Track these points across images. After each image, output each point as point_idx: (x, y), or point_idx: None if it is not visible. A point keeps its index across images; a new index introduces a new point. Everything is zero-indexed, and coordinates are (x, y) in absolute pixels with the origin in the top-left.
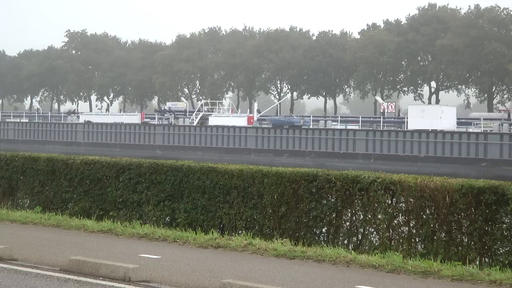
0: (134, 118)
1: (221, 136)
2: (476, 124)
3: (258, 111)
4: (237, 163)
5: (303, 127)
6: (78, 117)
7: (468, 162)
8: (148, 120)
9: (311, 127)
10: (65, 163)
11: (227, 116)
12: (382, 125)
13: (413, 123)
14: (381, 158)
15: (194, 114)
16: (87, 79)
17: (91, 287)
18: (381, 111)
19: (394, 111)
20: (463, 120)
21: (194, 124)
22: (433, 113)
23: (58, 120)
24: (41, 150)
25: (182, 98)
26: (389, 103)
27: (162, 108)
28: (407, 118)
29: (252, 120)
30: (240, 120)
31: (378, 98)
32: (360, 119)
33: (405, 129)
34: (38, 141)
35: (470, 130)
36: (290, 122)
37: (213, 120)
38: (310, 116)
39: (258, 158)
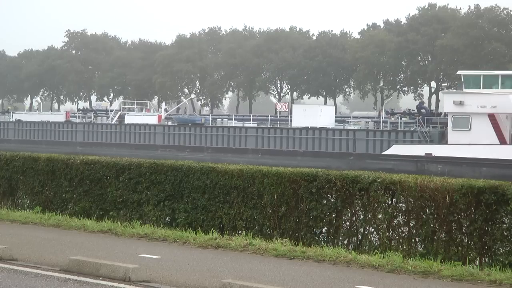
0: (59, 116)
1: (133, 133)
2: (348, 122)
3: (166, 110)
4: (144, 158)
5: (205, 125)
6: (12, 115)
7: (339, 156)
8: (73, 119)
9: (210, 124)
10: (65, 163)
11: (141, 115)
12: (275, 123)
13: (296, 121)
14: (267, 153)
15: (112, 112)
16: (87, 79)
17: (91, 287)
18: (277, 110)
19: (287, 110)
20: (344, 118)
21: (112, 122)
22: (313, 112)
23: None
24: None
25: (105, 99)
26: (282, 103)
27: (84, 107)
28: (291, 116)
29: (163, 119)
30: (151, 119)
31: (272, 98)
32: (251, 117)
33: (288, 127)
34: None
35: (348, 127)
36: (192, 120)
37: (128, 119)
38: (209, 115)
39: (164, 153)
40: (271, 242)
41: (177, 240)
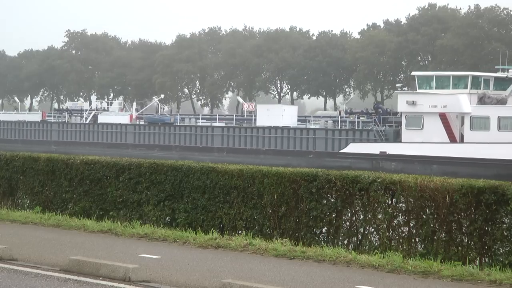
0: (36, 116)
1: (106, 133)
2: (309, 121)
3: (137, 110)
4: (115, 156)
5: (174, 124)
6: None
7: (299, 154)
8: (49, 118)
9: (178, 124)
10: (65, 163)
11: (114, 115)
12: (242, 122)
13: (260, 121)
14: (232, 151)
15: (87, 112)
16: (87, 79)
17: (91, 287)
18: (245, 109)
19: (254, 110)
20: (309, 117)
21: (87, 122)
22: (276, 112)
23: None
24: None
25: (80, 99)
26: (249, 103)
27: (60, 107)
28: (255, 116)
29: (134, 118)
30: (123, 118)
31: (239, 98)
32: (217, 116)
33: (253, 126)
34: None
35: (308, 126)
36: (162, 120)
37: (102, 118)
38: (177, 114)
39: (134, 151)
40: (271, 242)
41: (177, 240)
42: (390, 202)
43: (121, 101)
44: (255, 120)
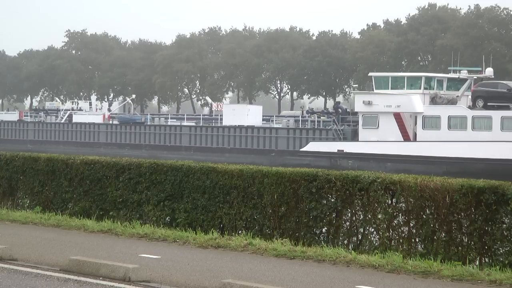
0: (13, 116)
1: (80, 132)
2: (272, 120)
3: (109, 110)
4: (88, 155)
5: (145, 124)
6: None
7: (262, 152)
8: (26, 118)
9: (148, 123)
10: (65, 163)
11: (88, 114)
12: (210, 122)
13: (227, 120)
14: (199, 149)
15: (62, 112)
16: (87, 79)
17: (91, 287)
18: (213, 109)
19: (222, 109)
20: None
21: (62, 121)
22: (241, 111)
23: None
24: None
25: (56, 98)
26: (218, 103)
27: (37, 107)
28: (221, 115)
29: (106, 118)
30: (97, 118)
31: (208, 99)
32: (186, 116)
33: (219, 125)
34: None
35: (272, 125)
36: (133, 119)
37: (76, 118)
38: (147, 114)
39: (106, 150)
40: (271, 242)
41: (177, 240)
42: (390, 202)
43: (96, 101)
44: (221, 119)
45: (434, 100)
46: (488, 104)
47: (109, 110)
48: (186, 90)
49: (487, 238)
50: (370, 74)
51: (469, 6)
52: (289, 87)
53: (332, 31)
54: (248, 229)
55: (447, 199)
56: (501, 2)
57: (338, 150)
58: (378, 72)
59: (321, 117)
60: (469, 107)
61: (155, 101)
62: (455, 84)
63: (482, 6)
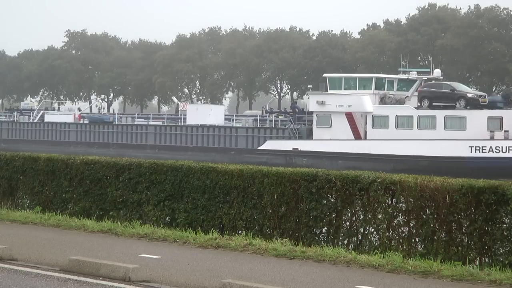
0: None
1: (51, 131)
2: (233, 120)
3: (79, 109)
4: (59, 153)
5: (114, 123)
6: None
7: (222, 151)
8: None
9: (116, 123)
10: (65, 163)
11: (59, 114)
12: (176, 121)
13: (190, 119)
14: (163, 148)
15: (35, 112)
16: (87, 79)
17: (91, 287)
18: (180, 109)
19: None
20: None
21: (35, 121)
22: (204, 111)
23: None
24: None
25: (31, 99)
26: (184, 103)
27: (11, 107)
28: (185, 115)
29: (77, 117)
30: (68, 118)
31: (174, 99)
32: (151, 116)
33: (182, 124)
34: None
35: (232, 125)
36: (102, 119)
37: (48, 117)
38: (115, 114)
39: (76, 149)
40: (271, 242)
41: (177, 240)
42: (390, 202)
43: (68, 102)
44: (185, 119)
45: (383, 100)
46: (433, 104)
47: (79, 109)
48: (186, 90)
49: (487, 238)
50: (324, 75)
51: (469, 6)
52: (289, 87)
53: (332, 31)
54: (248, 229)
55: (447, 199)
56: (501, 2)
57: (293, 148)
58: (332, 73)
59: (279, 117)
60: (417, 107)
61: (155, 101)
62: (405, 84)
63: (482, 6)
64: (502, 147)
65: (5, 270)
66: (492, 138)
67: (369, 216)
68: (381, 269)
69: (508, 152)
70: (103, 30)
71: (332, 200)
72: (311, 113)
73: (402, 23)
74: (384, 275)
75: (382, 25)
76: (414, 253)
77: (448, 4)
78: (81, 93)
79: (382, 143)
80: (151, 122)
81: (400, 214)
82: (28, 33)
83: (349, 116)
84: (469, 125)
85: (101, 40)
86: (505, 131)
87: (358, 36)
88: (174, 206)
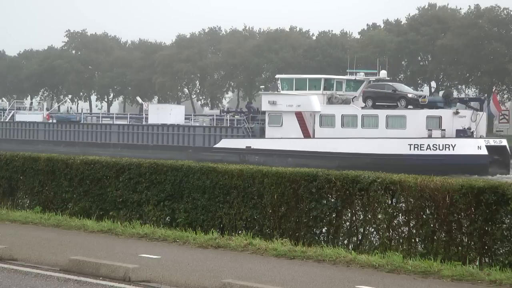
0: None
1: (21, 130)
2: (191, 119)
3: (47, 109)
4: (28, 152)
5: (80, 122)
6: None
7: (181, 149)
8: None
9: (82, 122)
10: (65, 163)
11: (29, 113)
12: (140, 120)
13: (151, 119)
14: (126, 146)
15: (7, 111)
16: (87, 79)
17: (91, 287)
18: (144, 109)
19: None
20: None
21: (6, 120)
22: (164, 110)
23: None
24: None
25: (3, 98)
26: (148, 103)
27: None
28: (146, 114)
29: (46, 117)
30: (37, 117)
31: (139, 99)
32: (114, 115)
33: (143, 124)
34: None
35: (195, 124)
36: (68, 118)
37: (18, 117)
38: (81, 113)
39: (43, 147)
40: (271, 242)
41: (177, 240)
42: (390, 202)
43: (39, 101)
44: (146, 118)
45: (330, 100)
46: (377, 104)
47: (47, 109)
48: (186, 90)
49: (487, 238)
50: (277, 76)
51: (469, 6)
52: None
53: (332, 31)
54: (248, 229)
55: (447, 199)
56: (501, 2)
57: (246, 146)
58: (283, 74)
59: (235, 116)
60: (363, 107)
61: (155, 101)
62: (353, 85)
63: (482, 6)
64: (439, 145)
65: (5, 270)
66: (429, 137)
67: (369, 216)
68: (381, 269)
69: (445, 149)
70: (103, 30)
71: (332, 200)
72: (264, 112)
73: (402, 23)
74: (384, 275)
75: (382, 25)
76: (414, 253)
77: (448, 4)
78: (81, 93)
79: (328, 141)
80: (115, 122)
81: (400, 214)
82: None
83: (299, 116)
84: (409, 124)
85: (101, 40)
86: (442, 130)
87: (358, 36)
88: (174, 206)
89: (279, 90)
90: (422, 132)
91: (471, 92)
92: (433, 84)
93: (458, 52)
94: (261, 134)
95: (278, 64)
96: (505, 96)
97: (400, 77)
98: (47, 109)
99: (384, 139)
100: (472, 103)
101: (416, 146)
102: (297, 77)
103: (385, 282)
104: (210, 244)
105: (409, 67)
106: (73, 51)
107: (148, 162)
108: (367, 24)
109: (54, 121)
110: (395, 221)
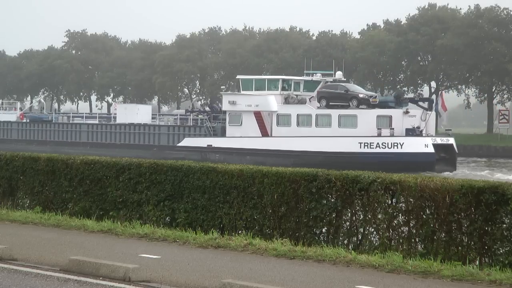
0: None
1: None
2: (158, 119)
3: (21, 109)
4: (2, 150)
5: (53, 122)
6: None
7: (146, 147)
8: None
9: (54, 121)
10: (65, 163)
11: (2, 113)
12: (109, 120)
13: (120, 118)
14: (94, 145)
15: None
16: (87, 79)
17: (91, 287)
18: (114, 108)
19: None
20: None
21: None
22: (131, 110)
23: None
24: None
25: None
26: (115, 103)
27: None
28: (115, 114)
29: (19, 116)
30: (11, 116)
31: (109, 99)
32: (84, 115)
33: (112, 123)
34: None
35: (160, 123)
36: (41, 118)
37: None
38: (52, 113)
39: (17, 146)
40: (271, 242)
41: (177, 240)
42: (390, 202)
43: (12, 101)
44: (115, 118)
45: (287, 100)
46: (330, 103)
47: (20, 109)
48: (186, 90)
49: (487, 238)
50: (238, 77)
51: (469, 6)
52: None
53: (332, 31)
54: (248, 229)
55: (447, 199)
56: (501, 2)
57: (207, 145)
58: (244, 75)
59: (199, 116)
60: (318, 107)
61: (155, 101)
62: (310, 85)
63: (482, 6)
64: (387, 143)
65: (5, 270)
66: (379, 135)
67: (369, 216)
68: (381, 269)
69: (393, 147)
70: (103, 30)
71: (332, 200)
72: (225, 112)
73: (402, 23)
74: (384, 275)
75: (382, 25)
76: (414, 253)
77: (448, 4)
78: (81, 93)
79: (284, 140)
80: (85, 121)
81: (400, 214)
82: (28, 33)
83: (257, 115)
84: (360, 123)
85: (101, 40)
86: (391, 129)
87: (358, 36)
88: (174, 206)
89: (240, 90)
90: (372, 131)
91: (471, 92)
92: (433, 84)
93: (458, 52)
94: (222, 133)
95: (278, 64)
96: (505, 96)
97: (400, 77)
98: (21, 109)
99: (336, 137)
100: (421, 103)
101: (366, 144)
102: (257, 78)
103: (385, 282)
104: (210, 244)
105: (409, 67)
106: (73, 51)
107: (148, 162)
108: (367, 24)
109: (27, 120)
110: (395, 221)
